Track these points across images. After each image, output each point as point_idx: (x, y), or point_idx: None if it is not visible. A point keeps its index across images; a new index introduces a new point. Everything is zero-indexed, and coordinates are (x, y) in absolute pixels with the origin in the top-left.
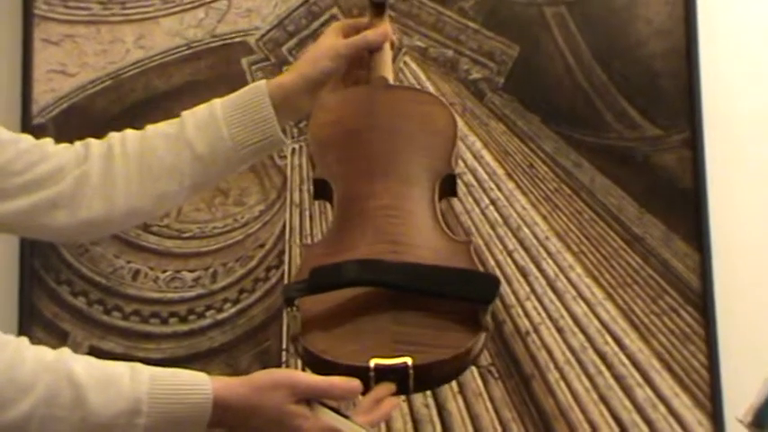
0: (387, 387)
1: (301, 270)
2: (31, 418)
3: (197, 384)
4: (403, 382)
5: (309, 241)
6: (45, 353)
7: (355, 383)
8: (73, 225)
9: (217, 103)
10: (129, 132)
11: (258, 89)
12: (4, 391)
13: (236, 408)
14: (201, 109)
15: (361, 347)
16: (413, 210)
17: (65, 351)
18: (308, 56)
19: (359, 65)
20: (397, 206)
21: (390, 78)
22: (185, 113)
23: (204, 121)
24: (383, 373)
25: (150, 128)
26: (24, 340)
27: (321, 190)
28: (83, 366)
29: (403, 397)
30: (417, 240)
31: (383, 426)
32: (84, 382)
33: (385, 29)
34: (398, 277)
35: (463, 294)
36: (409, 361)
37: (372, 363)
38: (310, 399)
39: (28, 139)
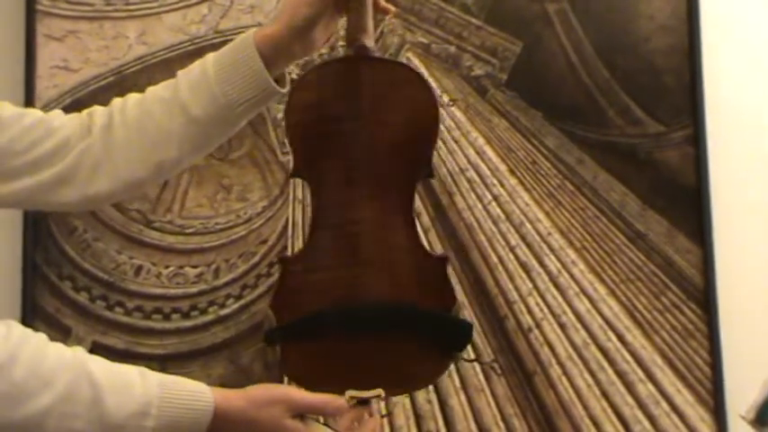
0: (366, 408)
1: (280, 288)
2: (50, 412)
3: (200, 392)
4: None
5: (288, 253)
6: (64, 350)
7: (341, 403)
8: (78, 199)
9: (209, 60)
10: (131, 98)
11: (246, 44)
12: (28, 384)
13: (234, 419)
14: (195, 68)
15: (337, 379)
16: (390, 223)
17: (79, 350)
18: (288, 3)
19: None
20: (374, 219)
21: (370, 21)
22: (180, 73)
23: (197, 82)
24: (359, 402)
25: (150, 91)
26: (43, 336)
27: (300, 178)
28: (98, 367)
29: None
30: (394, 258)
31: (385, 422)
32: (102, 383)
33: None
34: (376, 323)
35: (438, 341)
36: (383, 393)
37: (347, 394)
38: (304, 414)
39: (34, 113)
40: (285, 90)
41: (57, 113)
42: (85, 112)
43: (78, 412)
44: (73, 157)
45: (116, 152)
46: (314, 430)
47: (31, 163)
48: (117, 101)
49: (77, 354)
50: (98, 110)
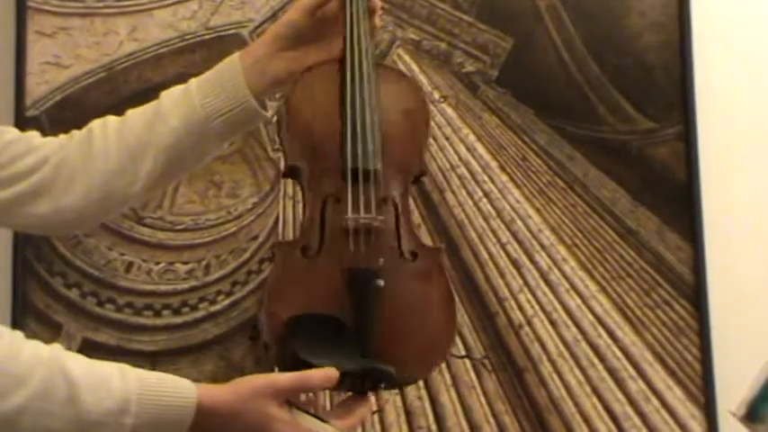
0: (362, 399)
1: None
2: (24, 410)
3: (182, 389)
4: (374, 386)
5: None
6: (40, 347)
7: (332, 371)
8: (55, 212)
9: (193, 79)
10: (112, 117)
11: (230, 60)
12: (0, 382)
13: (219, 414)
14: (179, 86)
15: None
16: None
17: (57, 347)
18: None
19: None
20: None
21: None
22: (163, 93)
23: (179, 96)
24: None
25: (130, 111)
26: (19, 334)
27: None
28: (76, 364)
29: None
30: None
31: (375, 418)
32: (78, 380)
33: None
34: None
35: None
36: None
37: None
38: (291, 403)
39: (12, 131)
40: (266, 113)
41: (35, 134)
42: (64, 135)
43: (53, 410)
44: (49, 168)
45: (94, 162)
46: (300, 420)
47: (10, 176)
48: (96, 120)
49: (54, 351)
50: (77, 131)
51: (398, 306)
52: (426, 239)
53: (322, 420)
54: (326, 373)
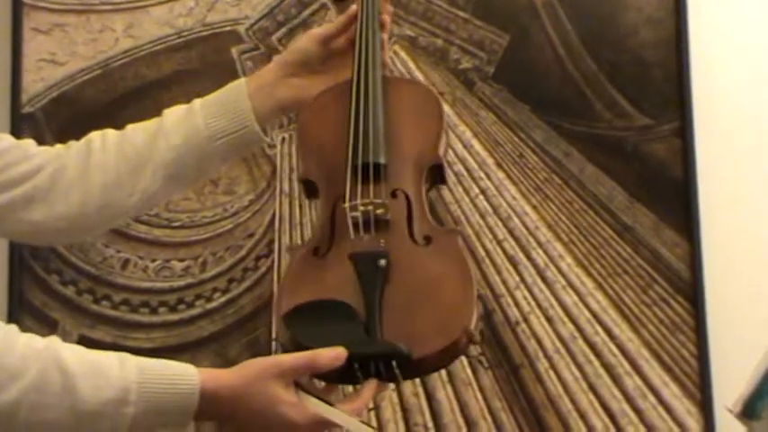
0: (370, 383)
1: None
2: (20, 404)
3: (184, 375)
4: (388, 370)
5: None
6: (35, 340)
7: (340, 350)
8: (49, 219)
9: (197, 99)
10: (111, 130)
11: (237, 83)
12: None
13: (224, 399)
14: (182, 106)
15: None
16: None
17: (54, 339)
18: None
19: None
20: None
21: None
22: (166, 110)
23: (183, 115)
24: (364, 360)
25: (131, 125)
26: (14, 327)
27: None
28: (72, 354)
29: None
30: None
31: (372, 415)
32: (74, 370)
33: (353, 11)
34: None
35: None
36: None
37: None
38: (299, 385)
39: (8, 138)
40: (267, 139)
41: (31, 142)
42: (61, 145)
43: (49, 402)
44: (45, 176)
45: (91, 173)
46: (307, 403)
47: (3, 183)
48: (96, 132)
49: (50, 343)
50: (75, 142)
51: (407, 289)
52: None
53: (329, 404)
54: (334, 352)
